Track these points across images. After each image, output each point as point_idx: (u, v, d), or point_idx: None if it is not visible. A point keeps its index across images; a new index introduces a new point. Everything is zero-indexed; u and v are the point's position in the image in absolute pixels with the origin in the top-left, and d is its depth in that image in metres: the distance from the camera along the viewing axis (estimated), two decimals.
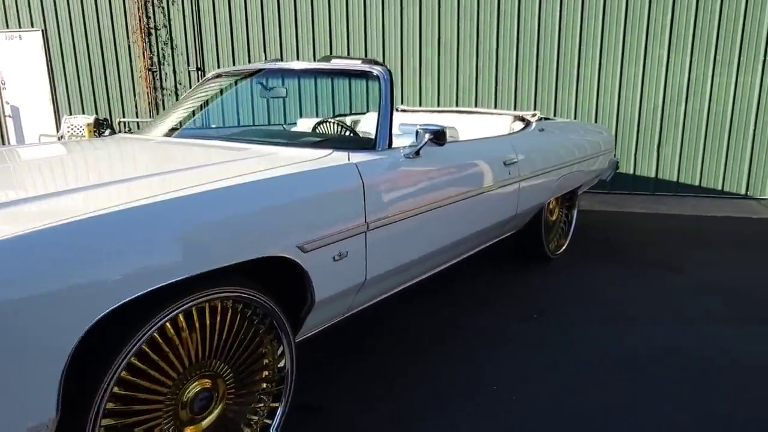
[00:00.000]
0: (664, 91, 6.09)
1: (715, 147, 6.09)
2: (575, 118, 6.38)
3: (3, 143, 8.41)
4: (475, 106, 6.61)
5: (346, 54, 6.87)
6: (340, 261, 2.03)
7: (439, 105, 6.74)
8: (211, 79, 3.22)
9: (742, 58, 5.86)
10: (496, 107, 6.57)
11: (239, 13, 7.14)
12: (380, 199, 2.18)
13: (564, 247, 4.19)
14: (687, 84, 6.02)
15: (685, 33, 5.95)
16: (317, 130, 2.97)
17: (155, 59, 7.61)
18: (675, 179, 6.27)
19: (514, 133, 3.46)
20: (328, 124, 2.90)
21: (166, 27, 7.46)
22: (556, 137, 3.78)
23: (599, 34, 6.14)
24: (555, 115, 6.42)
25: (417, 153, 2.42)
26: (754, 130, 5.97)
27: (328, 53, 6.93)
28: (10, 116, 8.37)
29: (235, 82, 3.25)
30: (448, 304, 3.24)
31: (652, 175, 6.31)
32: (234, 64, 7.27)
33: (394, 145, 2.48)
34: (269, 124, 6.93)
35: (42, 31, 7.84)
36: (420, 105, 6.79)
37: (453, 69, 6.60)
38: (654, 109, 6.16)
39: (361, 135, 2.77)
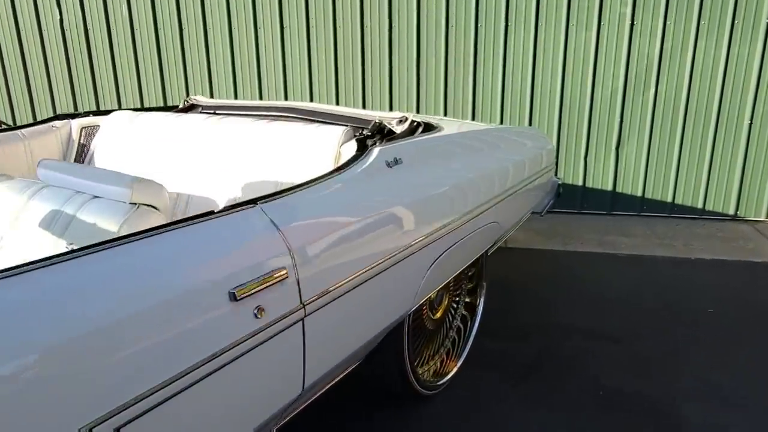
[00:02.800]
0: (627, 68, 4.24)
1: (696, 148, 4.32)
2: (501, 116, 4.45)
3: None
4: (363, 105, 4.60)
5: None
6: None
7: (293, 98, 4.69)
8: None
9: (736, 22, 4.05)
10: (391, 108, 4.57)
11: None
12: None
13: (455, 371, 2.28)
14: (659, 58, 4.19)
15: None
16: None
17: None
18: (640, 193, 4.48)
19: (299, 187, 1.43)
20: None
21: None
22: (419, 177, 1.81)
23: None
24: (473, 115, 4.49)
25: None
26: (750, 124, 4.22)
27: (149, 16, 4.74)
28: None
29: None
30: None
31: (609, 186, 4.50)
32: (18, 28, 4.99)
33: None
34: None
35: None
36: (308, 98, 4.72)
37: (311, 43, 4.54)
38: (612, 95, 4.31)
39: None
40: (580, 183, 4.53)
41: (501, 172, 2.35)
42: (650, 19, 4.12)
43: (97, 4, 4.79)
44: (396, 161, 1.73)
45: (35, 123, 2.42)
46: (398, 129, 2.11)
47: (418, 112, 4.56)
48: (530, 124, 4.45)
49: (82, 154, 2.48)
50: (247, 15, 4.57)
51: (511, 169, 2.45)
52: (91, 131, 2.50)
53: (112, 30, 4.84)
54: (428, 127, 2.24)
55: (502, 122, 4.48)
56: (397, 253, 1.57)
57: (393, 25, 4.43)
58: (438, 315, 2.18)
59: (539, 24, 4.26)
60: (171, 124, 2.30)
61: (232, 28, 4.62)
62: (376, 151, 1.68)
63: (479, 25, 4.32)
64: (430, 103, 4.52)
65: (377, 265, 1.49)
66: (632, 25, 4.15)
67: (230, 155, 2.08)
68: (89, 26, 4.86)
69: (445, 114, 4.52)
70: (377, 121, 2.11)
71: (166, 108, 2.71)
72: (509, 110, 4.45)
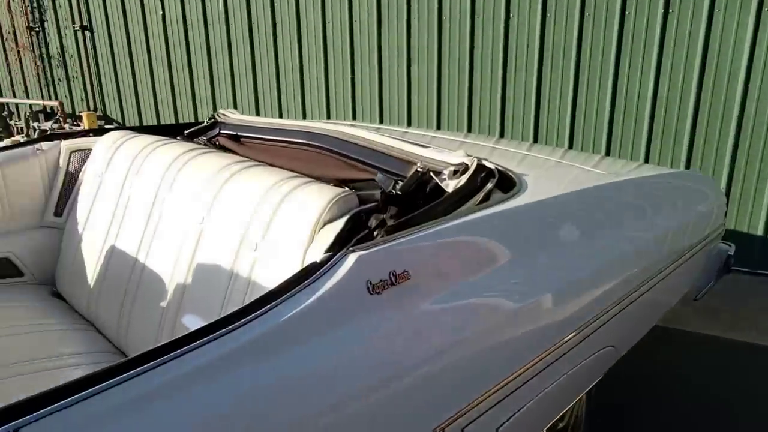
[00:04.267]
0: None
1: None
2: (618, 147, 3.30)
3: None
4: (380, 119, 3.74)
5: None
6: None
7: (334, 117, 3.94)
8: None
9: None
10: (409, 123, 3.66)
11: None
12: None
13: None
14: None
15: None
16: None
17: (36, 15, 5.42)
18: None
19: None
20: None
21: None
22: (442, 309, 0.99)
23: None
24: (594, 145, 3.40)
25: None
26: None
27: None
28: None
29: None
30: None
31: None
32: (126, 22, 4.87)
33: None
34: None
35: None
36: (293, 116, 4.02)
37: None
38: None
39: None
40: (761, 233, 3.27)
41: (630, 260, 1.43)
42: None
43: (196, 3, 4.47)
44: (394, 279, 0.93)
45: (19, 144, 2.02)
46: (450, 184, 1.29)
47: (438, 127, 3.72)
48: (647, 155, 3.31)
49: (69, 184, 2.03)
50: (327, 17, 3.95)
51: (649, 250, 1.52)
52: (83, 156, 2.04)
53: (209, 26, 4.51)
54: (504, 182, 1.38)
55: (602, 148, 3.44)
56: None
57: (412, 15, 3.65)
58: None
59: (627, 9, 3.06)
60: (152, 153, 1.74)
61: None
62: (350, 259, 0.89)
63: (510, 15, 3.38)
64: (453, 115, 3.68)
65: None
66: None
67: (196, 210, 1.44)
68: (188, 22, 4.58)
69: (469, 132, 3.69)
70: (419, 168, 1.32)
71: (180, 126, 2.16)
72: (631, 137, 3.30)
